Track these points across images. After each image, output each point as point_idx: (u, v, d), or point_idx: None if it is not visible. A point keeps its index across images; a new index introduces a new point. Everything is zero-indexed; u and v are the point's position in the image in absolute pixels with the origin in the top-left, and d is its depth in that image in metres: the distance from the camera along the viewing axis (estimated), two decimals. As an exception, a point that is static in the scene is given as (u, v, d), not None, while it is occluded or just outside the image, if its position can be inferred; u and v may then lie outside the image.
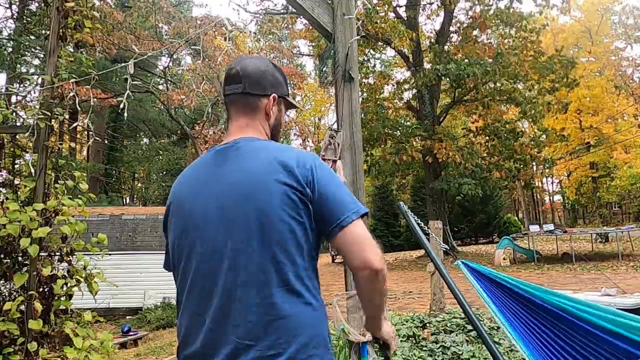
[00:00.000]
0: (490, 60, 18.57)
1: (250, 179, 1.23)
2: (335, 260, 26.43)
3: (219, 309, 1.20)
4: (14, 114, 3.74)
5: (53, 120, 3.54)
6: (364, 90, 21.52)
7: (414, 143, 20.16)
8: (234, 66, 1.42)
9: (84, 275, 3.51)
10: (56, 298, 3.35)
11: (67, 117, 3.72)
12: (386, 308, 1.45)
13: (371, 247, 1.19)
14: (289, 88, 1.53)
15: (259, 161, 1.26)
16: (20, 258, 3.36)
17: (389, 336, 1.47)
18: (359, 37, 3.09)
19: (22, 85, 16.91)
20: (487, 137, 21.00)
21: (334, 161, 1.79)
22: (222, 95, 1.45)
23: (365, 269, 1.18)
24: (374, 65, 24.91)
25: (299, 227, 1.21)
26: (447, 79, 18.87)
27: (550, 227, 18.83)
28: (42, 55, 19.53)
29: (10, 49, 18.18)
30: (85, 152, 29.52)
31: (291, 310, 1.17)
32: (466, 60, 18.18)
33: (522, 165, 20.05)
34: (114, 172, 29.52)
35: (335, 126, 2.88)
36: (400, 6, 22.11)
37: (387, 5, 19.56)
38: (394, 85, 23.32)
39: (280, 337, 1.15)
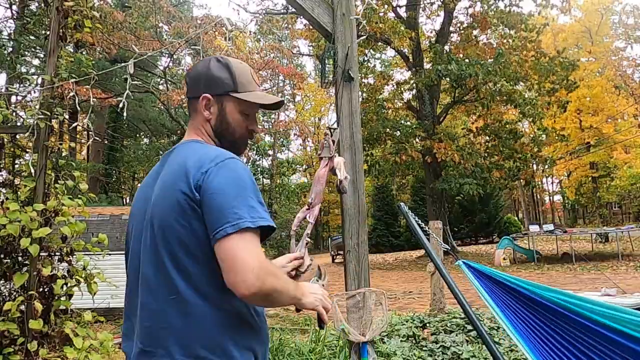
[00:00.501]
0: (491, 60, 18.55)
1: (162, 185, 1.25)
2: (335, 260, 26.43)
3: (135, 312, 1.24)
4: (14, 114, 3.74)
5: (53, 120, 3.54)
6: (364, 90, 21.52)
7: (414, 143, 20.15)
8: (190, 69, 1.46)
9: (83, 276, 3.52)
10: (56, 298, 3.36)
11: (67, 117, 3.72)
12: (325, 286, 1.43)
13: (240, 268, 1.08)
14: (239, 83, 1.38)
15: (174, 167, 1.25)
16: (20, 258, 3.36)
17: (314, 305, 1.29)
18: (361, 38, 3.09)
19: (22, 85, 16.91)
20: (487, 137, 21.00)
21: (330, 158, 1.76)
22: None
23: (236, 291, 1.10)
24: (374, 66, 24.91)
25: (190, 235, 1.16)
26: (448, 79, 18.88)
27: (550, 227, 18.84)
28: (42, 55, 19.53)
29: (10, 49, 18.18)
30: (85, 152, 29.53)
31: (181, 319, 1.15)
32: (467, 60, 18.17)
33: (522, 165, 20.04)
34: (113, 172, 29.51)
35: (335, 125, 2.88)
36: (401, 6, 22.12)
37: (386, 5, 19.56)
38: (394, 86, 23.32)
39: (172, 344, 1.15)
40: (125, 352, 1.29)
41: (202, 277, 1.17)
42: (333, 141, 1.78)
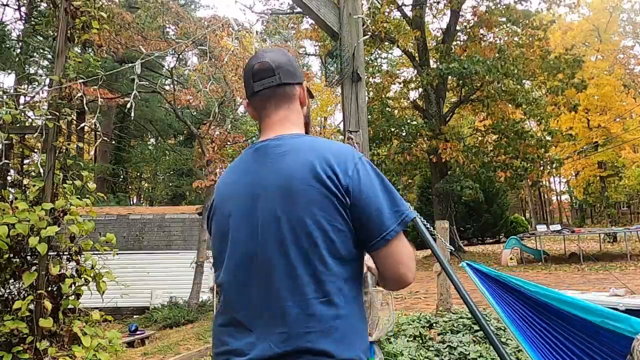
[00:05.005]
0: (497, 57, 18.43)
1: (285, 182, 1.16)
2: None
3: (247, 307, 1.20)
4: (23, 114, 3.77)
5: (61, 121, 3.57)
6: (370, 89, 21.49)
7: (421, 142, 20.09)
8: (261, 59, 1.32)
9: (92, 275, 3.54)
10: (64, 297, 3.38)
11: (74, 117, 3.74)
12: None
13: (408, 261, 1.19)
14: None
15: (299, 162, 1.17)
16: (29, 257, 3.39)
17: None
18: (365, 37, 3.09)
19: (30, 85, 17.05)
20: (495, 137, 20.89)
21: None
22: (252, 92, 1.33)
23: (403, 281, 1.20)
24: (380, 65, 24.88)
25: (336, 235, 1.13)
26: (452, 77, 18.83)
27: (558, 227, 18.75)
28: (50, 56, 19.68)
29: (19, 50, 18.34)
30: (92, 153, 29.76)
31: (326, 321, 1.13)
32: (472, 58, 18.09)
33: (529, 165, 19.90)
34: (121, 172, 29.68)
35: (341, 125, 2.88)
36: (406, 5, 22.07)
37: (391, 5, 19.52)
38: (400, 85, 23.28)
39: (322, 345, 1.15)
40: (235, 349, 1.16)
41: (341, 277, 1.14)
42: (357, 144, 1.84)
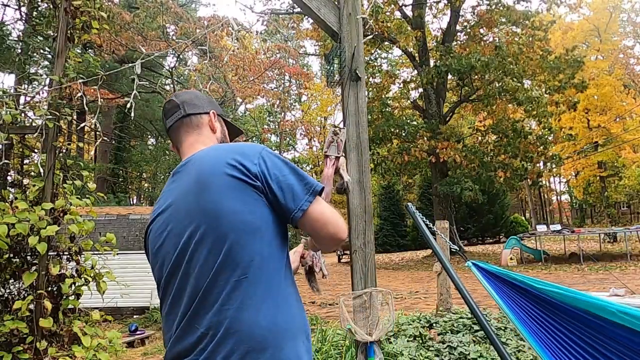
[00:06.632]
0: (495, 54, 18.39)
1: (200, 178, 1.26)
2: (342, 260, 26.42)
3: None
4: (23, 114, 3.76)
5: (61, 121, 3.56)
6: (370, 89, 21.50)
7: (421, 143, 20.08)
8: (170, 99, 1.55)
9: (92, 275, 3.54)
10: (64, 297, 3.38)
11: (74, 117, 3.74)
12: None
13: (334, 220, 1.27)
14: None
15: (207, 163, 1.28)
16: (29, 257, 3.39)
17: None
18: (368, 38, 3.09)
19: (30, 85, 17.05)
20: (495, 136, 20.88)
21: (337, 158, 1.80)
22: (166, 129, 1.54)
23: (337, 239, 1.28)
24: (380, 65, 24.90)
25: (256, 218, 1.23)
26: (451, 75, 18.81)
27: (558, 227, 18.73)
28: (50, 56, 19.68)
29: (19, 50, 18.33)
30: (92, 153, 29.71)
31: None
32: (469, 56, 18.04)
33: (529, 164, 19.87)
34: (121, 172, 29.67)
35: (340, 125, 2.88)
36: (407, 5, 22.07)
37: (392, 5, 19.52)
38: (400, 85, 23.28)
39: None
40: None
41: (269, 255, 1.24)
42: (341, 140, 1.83)
